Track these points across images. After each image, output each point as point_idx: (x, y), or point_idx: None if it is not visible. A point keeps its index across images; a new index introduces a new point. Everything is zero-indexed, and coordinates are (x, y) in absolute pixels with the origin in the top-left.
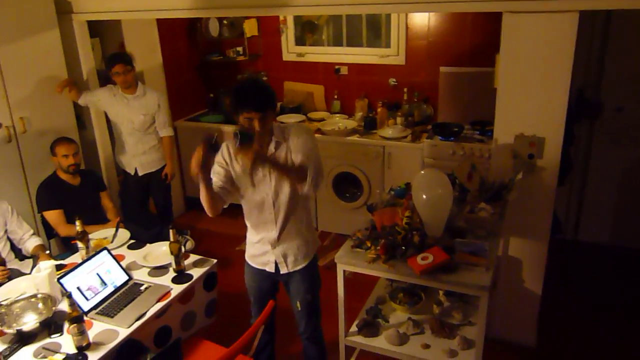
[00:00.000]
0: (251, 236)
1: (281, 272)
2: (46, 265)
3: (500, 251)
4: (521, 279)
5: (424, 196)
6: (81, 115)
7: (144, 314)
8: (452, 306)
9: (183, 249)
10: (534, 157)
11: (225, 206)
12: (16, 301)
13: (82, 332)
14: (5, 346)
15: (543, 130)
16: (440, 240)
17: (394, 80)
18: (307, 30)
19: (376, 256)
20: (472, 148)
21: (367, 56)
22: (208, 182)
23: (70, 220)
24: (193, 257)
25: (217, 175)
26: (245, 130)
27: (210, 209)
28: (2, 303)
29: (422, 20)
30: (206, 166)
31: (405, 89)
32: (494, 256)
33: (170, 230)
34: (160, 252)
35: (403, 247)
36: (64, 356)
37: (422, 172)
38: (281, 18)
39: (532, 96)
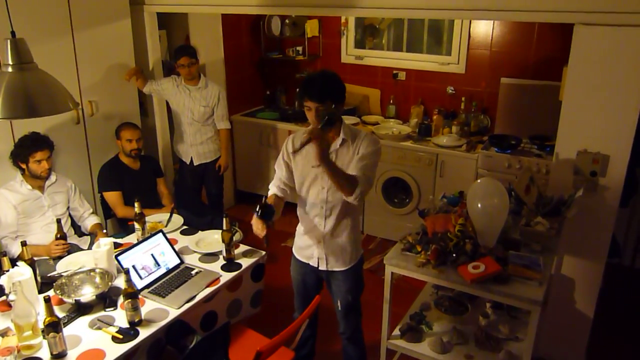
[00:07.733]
0: (300, 228)
1: (320, 269)
2: (105, 242)
3: (553, 269)
4: (573, 300)
5: (479, 205)
6: (144, 103)
7: (194, 297)
8: (498, 319)
9: (234, 239)
10: (597, 174)
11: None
12: (76, 273)
13: (135, 308)
14: (64, 314)
15: (608, 147)
16: (492, 250)
17: (452, 88)
18: (367, 33)
19: (426, 261)
20: (529, 162)
21: (427, 63)
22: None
23: (127, 202)
24: (243, 247)
25: (279, 170)
26: (333, 112)
27: None
28: (63, 274)
29: (485, 29)
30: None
31: (463, 98)
32: (548, 272)
33: (224, 219)
34: (211, 239)
35: (454, 255)
36: (117, 329)
37: (479, 180)
38: (343, 20)
39: (599, 112)
